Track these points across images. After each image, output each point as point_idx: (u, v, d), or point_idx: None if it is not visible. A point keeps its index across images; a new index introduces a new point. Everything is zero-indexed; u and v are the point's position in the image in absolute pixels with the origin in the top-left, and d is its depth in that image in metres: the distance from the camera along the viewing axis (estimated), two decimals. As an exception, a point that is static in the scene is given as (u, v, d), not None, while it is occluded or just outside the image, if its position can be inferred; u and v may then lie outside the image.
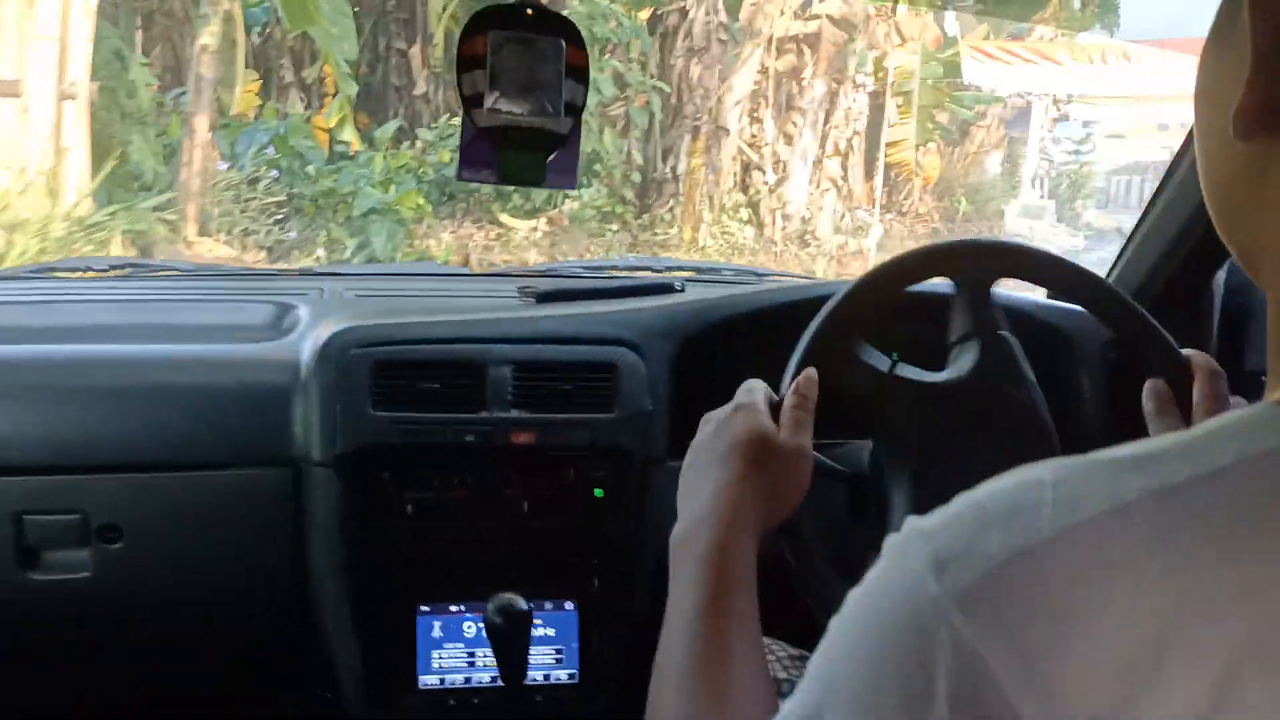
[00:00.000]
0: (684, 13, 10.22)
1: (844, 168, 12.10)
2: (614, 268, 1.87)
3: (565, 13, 0.95)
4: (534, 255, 9.29)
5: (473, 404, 1.34)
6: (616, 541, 1.40)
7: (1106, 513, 0.41)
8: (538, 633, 1.41)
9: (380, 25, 10.58)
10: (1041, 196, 16.45)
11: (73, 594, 1.33)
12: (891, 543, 0.46)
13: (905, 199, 13.58)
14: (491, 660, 1.29)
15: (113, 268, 1.75)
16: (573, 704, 1.43)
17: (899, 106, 12.67)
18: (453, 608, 1.40)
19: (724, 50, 10.43)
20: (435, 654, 1.40)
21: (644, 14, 10.35)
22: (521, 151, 0.98)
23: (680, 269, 1.86)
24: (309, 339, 1.39)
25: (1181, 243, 1.43)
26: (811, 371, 0.99)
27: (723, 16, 10.30)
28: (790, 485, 0.89)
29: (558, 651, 1.42)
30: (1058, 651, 0.39)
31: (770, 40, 10.75)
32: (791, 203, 11.45)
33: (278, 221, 8.36)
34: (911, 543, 0.44)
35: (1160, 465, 0.42)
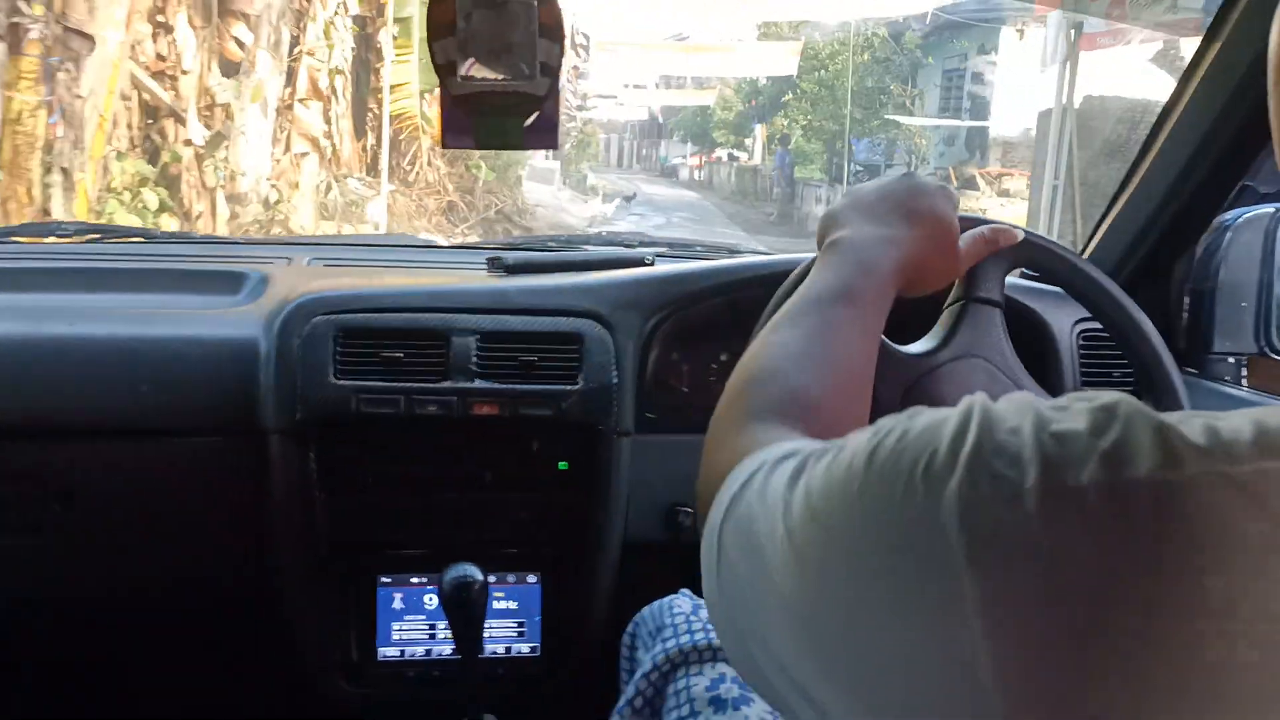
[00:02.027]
0: None
1: (327, 119, 8.55)
2: (587, 242, 1.85)
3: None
4: None
5: (436, 374, 1.33)
6: (580, 514, 1.39)
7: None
8: (499, 605, 1.40)
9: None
10: (547, 157, 15.91)
11: (27, 559, 1.32)
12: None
13: (411, 164, 10.13)
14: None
15: (78, 232, 1.72)
16: (534, 677, 1.42)
17: (395, 38, 9.07)
18: (414, 579, 1.39)
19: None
20: (395, 626, 1.39)
21: None
22: (499, 116, 0.96)
23: (654, 244, 1.85)
24: (273, 305, 1.38)
25: (1152, 226, 1.43)
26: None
27: None
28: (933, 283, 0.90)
29: (519, 624, 1.42)
30: None
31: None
32: (245, 173, 7.53)
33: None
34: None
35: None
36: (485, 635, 1.34)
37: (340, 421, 1.31)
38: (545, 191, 13.38)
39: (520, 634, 1.42)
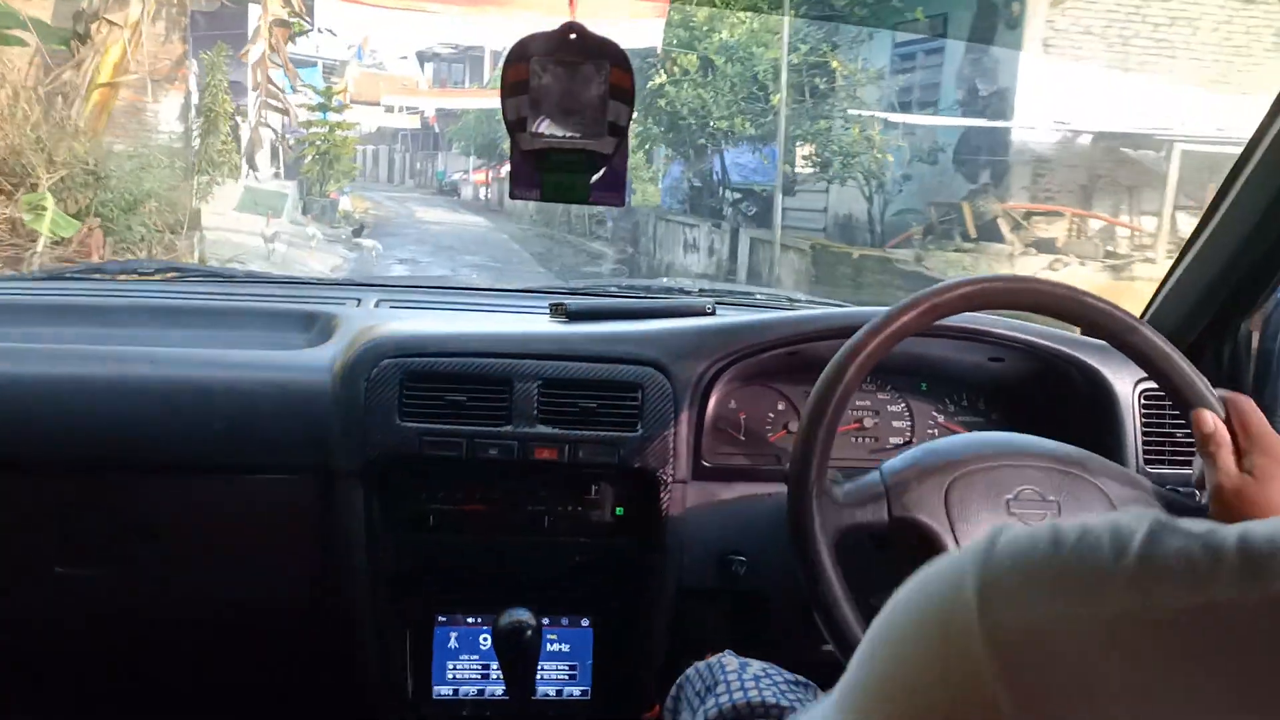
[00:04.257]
0: None
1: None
2: (648, 289, 1.88)
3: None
4: None
5: (499, 418, 1.35)
6: (635, 560, 1.40)
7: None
8: (552, 648, 1.42)
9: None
10: (278, 175, 11.65)
11: (110, 588, 1.36)
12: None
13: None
14: None
15: (159, 271, 1.79)
16: None
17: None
18: (469, 620, 1.41)
19: None
20: (450, 665, 1.41)
21: None
22: (565, 171, 1.00)
23: (714, 291, 1.87)
24: (342, 348, 1.42)
25: (1219, 286, 1.42)
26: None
27: None
28: None
29: (571, 667, 1.43)
30: None
31: None
32: None
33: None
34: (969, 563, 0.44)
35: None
36: (538, 677, 1.35)
37: (405, 463, 1.34)
38: (247, 221, 9.48)
39: (572, 677, 1.43)
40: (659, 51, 11.21)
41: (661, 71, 12.17)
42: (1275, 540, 0.38)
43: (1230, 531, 0.39)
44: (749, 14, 11.52)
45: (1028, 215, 9.99)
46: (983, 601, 0.41)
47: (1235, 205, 1.36)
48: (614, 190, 0.99)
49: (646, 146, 14.63)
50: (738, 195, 13.38)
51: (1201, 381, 1.12)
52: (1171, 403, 1.14)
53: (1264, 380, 1.42)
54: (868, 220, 11.33)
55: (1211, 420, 1.08)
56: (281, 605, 1.41)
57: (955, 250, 9.85)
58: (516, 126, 0.99)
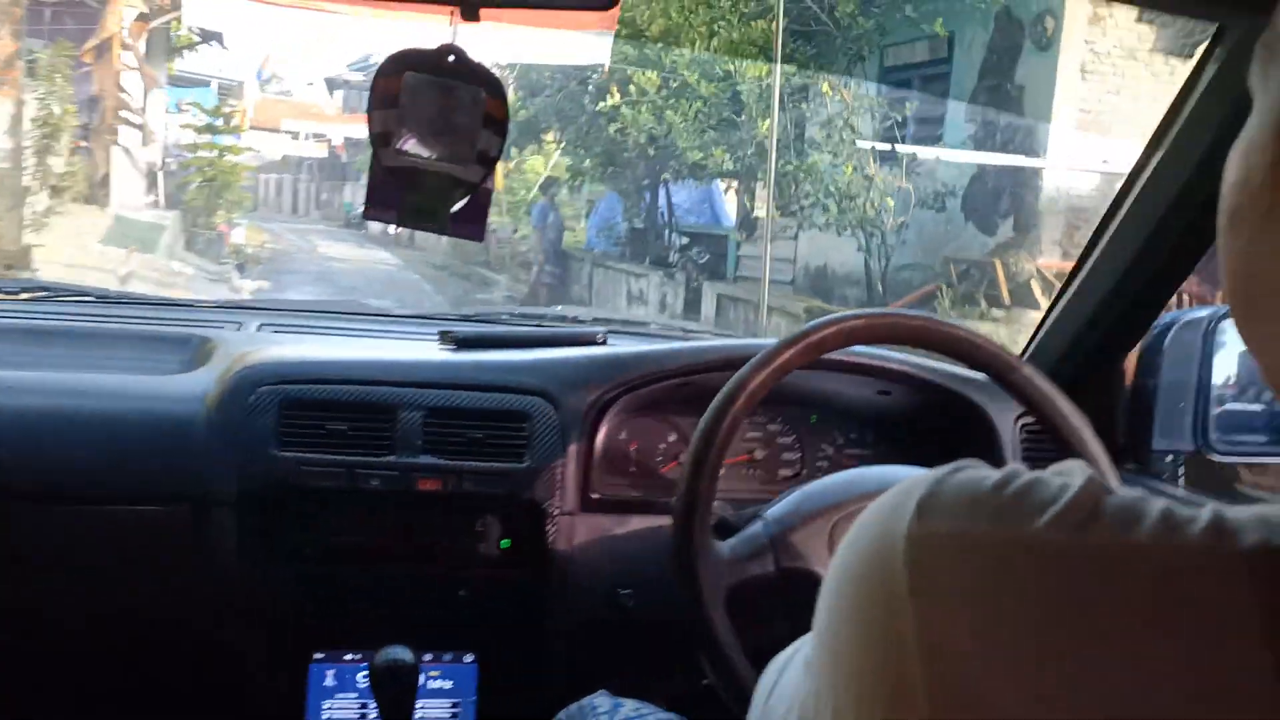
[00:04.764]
0: None
1: None
2: (541, 317, 1.86)
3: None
4: None
5: (381, 448, 1.32)
6: (521, 594, 1.38)
7: None
8: (434, 685, 1.38)
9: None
10: (157, 204, 10.34)
11: None
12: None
13: None
14: None
15: (25, 290, 1.70)
16: None
17: None
18: (347, 656, 1.36)
19: None
20: (327, 704, 1.36)
21: None
22: (427, 195, 0.97)
23: (609, 320, 1.86)
24: (218, 373, 1.37)
25: (1097, 323, 1.46)
26: None
27: None
28: None
29: (454, 705, 1.39)
30: None
31: None
32: None
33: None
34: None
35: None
36: (418, 717, 1.31)
37: (281, 494, 1.29)
38: (113, 254, 7.87)
39: (455, 715, 1.39)
40: (605, 69, 9.46)
41: (615, 91, 10.15)
42: (1196, 511, 0.41)
43: (1159, 499, 0.42)
44: (725, 22, 9.24)
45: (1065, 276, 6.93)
46: (920, 511, 0.43)
47: (1112, 243, 1.41)
48: (474, 223, 0.97)
49: (578, 181, 12.84)
50: (685, 239, 11.57)
51: (1077, 417, 1.15)
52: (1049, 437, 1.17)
53: (1138, 417, 1.47)
54: (865, 275, 9.33)
55: None
56: (153, 640, 1.35)
57: (981, 316, 7.98)
58: (381, 141, 0.96)
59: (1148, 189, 1.33)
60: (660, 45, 9.74)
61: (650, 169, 11.38)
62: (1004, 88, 8.67)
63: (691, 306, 10.13)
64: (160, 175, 10.63)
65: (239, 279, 9.88)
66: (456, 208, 0.95)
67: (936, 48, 9.19)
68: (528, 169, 14.23)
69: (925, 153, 9.07)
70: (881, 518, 0.45)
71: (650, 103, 10.04)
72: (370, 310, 1.82)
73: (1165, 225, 1.32)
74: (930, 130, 9.43)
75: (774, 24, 8.59)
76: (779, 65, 8.33)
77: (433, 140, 0.94)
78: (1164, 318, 1.46)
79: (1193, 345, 1.46)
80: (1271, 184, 0.45)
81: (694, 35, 9.30)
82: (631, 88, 10.06)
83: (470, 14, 1.00)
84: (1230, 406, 1.48)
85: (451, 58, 0.96)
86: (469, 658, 1.39)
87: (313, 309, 1.80)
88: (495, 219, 13.99)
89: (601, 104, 10.38)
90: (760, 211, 10.15)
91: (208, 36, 12.02)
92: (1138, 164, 1.34)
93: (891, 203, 8.69)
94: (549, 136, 13.38)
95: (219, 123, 11.49)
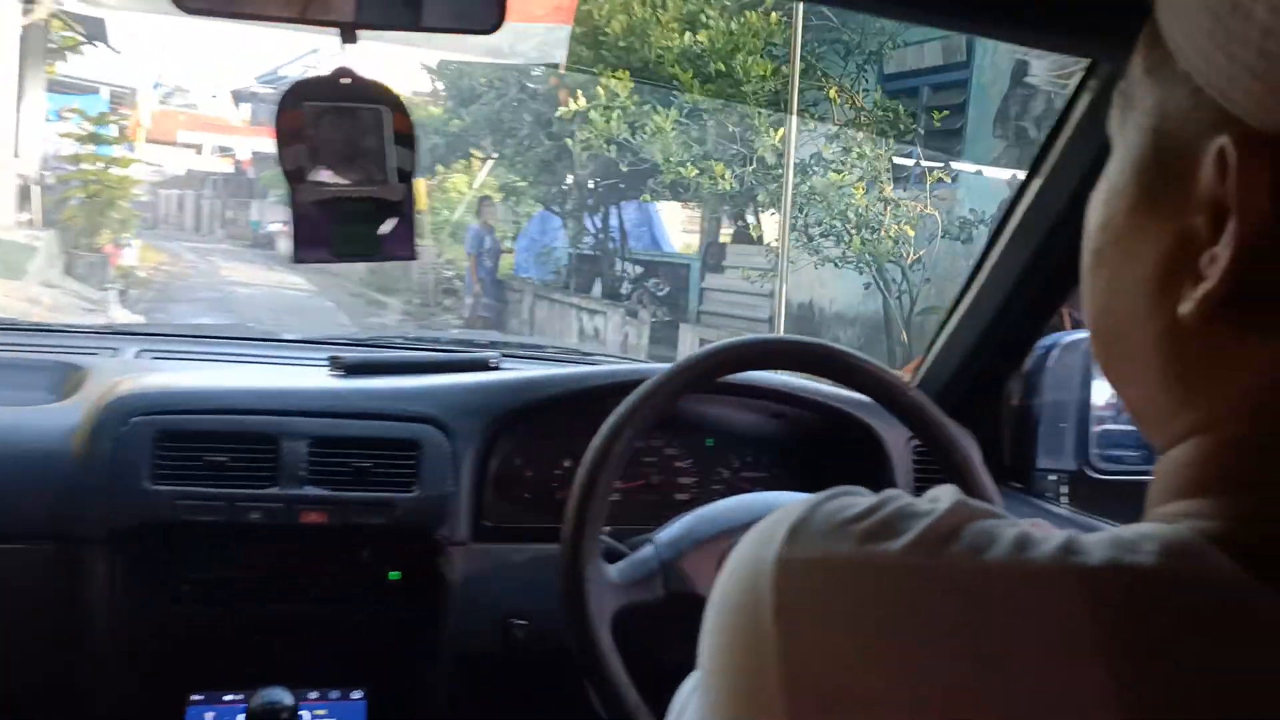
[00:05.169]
0: None
1: None
2: (435, 340, 1.83)
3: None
4: None
5: (263, 479, 1.27)
6: (411, 626, 1.34)
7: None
8: (320, 724, 1.33)
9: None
10: (32, 223, 9.35)
11: None
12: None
13: None
14: None
15: None
16: None
17: None
18: (226, 697, 1.31)
19: None
20: None
21: None
22: (354, 224, 0.95)
23: (504, 344, 1.84)
24: (89, 403, 1.31)
25: (982, 348, 1.49)
26: None
27: None
28: None
29: (341, 744, 1.35)
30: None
31: None
32: None
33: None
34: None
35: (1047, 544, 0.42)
36: None
37: (156, 530, 1.24)
38: (9, 291, 7.16)
39: None
40: (561, 68, 7.16)
41: (577, 96, 8.42)
42: (1051, 535, 0.41)
43: (1019, 525, 0.43)
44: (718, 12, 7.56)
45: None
46: (790, 536, 0.44)
47: (995, 270, 1.44)
48: (404, 243, 0.95)
49: (513, 199, 11.34)
50: (639, 268, 9.94)
51: (963, 439, 1.17)
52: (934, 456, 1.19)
53: (1022, 438, 1.50)
54: (883, 320, 7.73)
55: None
56: (23, 683, 1.28)
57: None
58: (295, 177, 0.94)
59: (1028, 217, 1.37)
60: (625, 45, 8.09)
61: (612, 187, 9.65)
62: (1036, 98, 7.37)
63: (663, 346, 8.77)
64: (36, 190, 9.50)
65: (118, 308, 8.94)
66: (385, 229, 0.93)
67: (950, 52, 7.95)
68: (450, 187, 13.10)
69: (949, 172, 7.61)
70: (754, 544, 0.46)
71: (621, 108, 8.33)
72: (256, 334, 1.76)
73: (1043, 253, 1.36)
74: (951, 145, 7.92)
75: (769, 15, 7.45)
76: (797, 55, 6.83)
77: (345, 167, 0.92)
78: (1045, 340, 1.51)
79: (1073, 367, 1.51)
80: (1130, 228, 0.46)
81: (667, 33, 7.67)
82: (600, 90, 8.36)
83: (348, 36, 0.98)
84: (1109, 426, 1.53)
85: (346, 80, 0.94)
86: (357, 694, 1.35)
87: (195, 333, 1.74)
88: (419, 241, 12.86)
89: (562, 110, 8.71)
90: (773, 238, 8.16)
91: (94, 37, 11.25)
92: (1017, 193, 1.38)
93: (912, 232, 7.17)
94: (478, 152, 12.09)
95: (106, 132, 10.55)
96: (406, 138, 0.95)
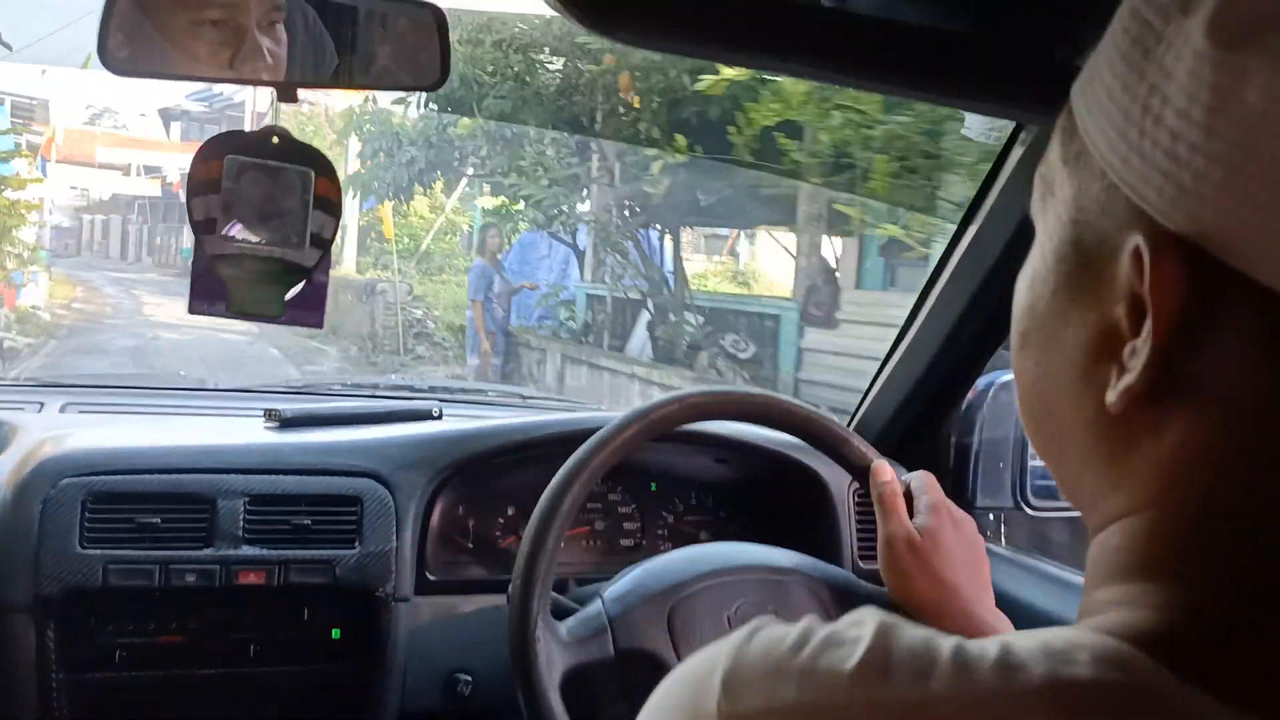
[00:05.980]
0: None
1: None
2: (375, 387, 1.80)
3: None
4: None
5: (198, 540, 1.24)
6: (353, 685, 1.32)
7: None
8: (260, 790, 1.30)
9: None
10: None
11: None
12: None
13: None
14: None
15: None
16: None
17: None
18: None
19: None
20: None
21: None
22: (258, 283, 0.93)
23: (446, 389, 1.82)
24: (13, 464, 1.26)
25: (919, 390, 1.51)
26: None
27: None
28: None
29: (282, 810, 1.31)
30: None
31: None
32: None
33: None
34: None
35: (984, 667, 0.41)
36: None
37: (85, 596, 1.20)
38: None
39: None
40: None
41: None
42: (985, 648, 0.41)
43: (949, 638, 0.42)
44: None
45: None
46: (726, 689, 0.42)
47: (934, 310, 1.46)
48: (312, 309, 0.92)
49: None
50: (700, 317, 7.51)
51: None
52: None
53: (961, 477, 1.52)
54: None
55: (889, 473, 1.17)
56: None
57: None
58: (204, 228, 0.91)
59: (964, 260, 1.39)
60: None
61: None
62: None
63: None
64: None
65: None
66: (292, 294, 0.90)
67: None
68: (411, 211, 11.05)
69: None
70: (688, 697, 0.45)
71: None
72: (188, 385, 1.72)
73: (981, 295, 1.38)
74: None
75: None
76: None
77: (260, 225, 0.90)
78: (983, 380, 1.53)
79: (1010, 405, 1.53)
80: (1053, 313, 0.47)
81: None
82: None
83: (287, 95, 0.96)
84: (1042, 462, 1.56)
85: (275, 139, 0.93)
86: None
87: (124, 384, 1.69)
88: (384, 275, 11.14)
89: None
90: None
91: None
92: (952, 240, 1.40)
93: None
94: (468, 169, 9.70)
95: (2, 147, 8.78)
96: (329, 203, 0.94)
